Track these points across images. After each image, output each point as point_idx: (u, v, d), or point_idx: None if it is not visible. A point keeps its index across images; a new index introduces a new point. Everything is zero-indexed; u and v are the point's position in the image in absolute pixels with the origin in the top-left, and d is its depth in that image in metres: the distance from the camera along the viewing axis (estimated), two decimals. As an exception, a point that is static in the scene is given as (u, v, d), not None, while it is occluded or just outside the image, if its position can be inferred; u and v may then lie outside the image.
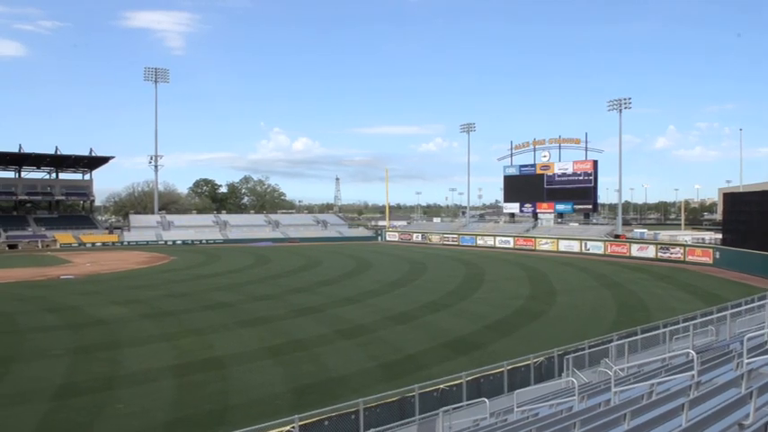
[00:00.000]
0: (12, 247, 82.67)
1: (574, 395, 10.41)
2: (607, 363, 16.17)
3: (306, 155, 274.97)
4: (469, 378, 14.90)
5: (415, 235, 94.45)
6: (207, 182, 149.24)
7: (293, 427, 11.25)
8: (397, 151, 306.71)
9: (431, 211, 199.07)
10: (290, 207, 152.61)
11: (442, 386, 14.42)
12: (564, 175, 78.88)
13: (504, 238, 79.38)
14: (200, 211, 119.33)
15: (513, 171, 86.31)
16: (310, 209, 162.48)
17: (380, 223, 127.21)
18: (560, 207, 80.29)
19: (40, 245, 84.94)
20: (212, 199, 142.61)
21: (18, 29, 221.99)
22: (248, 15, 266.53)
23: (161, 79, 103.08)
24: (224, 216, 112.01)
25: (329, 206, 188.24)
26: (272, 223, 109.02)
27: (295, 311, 31.29)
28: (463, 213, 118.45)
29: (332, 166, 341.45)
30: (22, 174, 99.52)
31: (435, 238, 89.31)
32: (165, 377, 19.37)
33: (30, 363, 21.34)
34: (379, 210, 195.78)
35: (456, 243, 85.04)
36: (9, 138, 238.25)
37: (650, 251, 60.28)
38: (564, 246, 70.07)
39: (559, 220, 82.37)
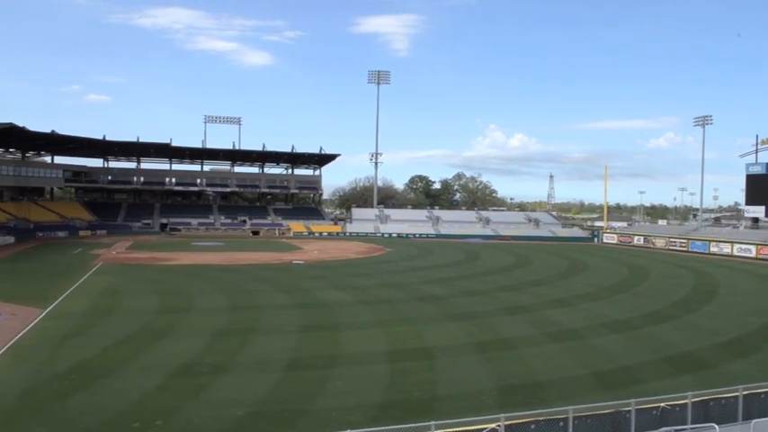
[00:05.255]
0: (255, 233, 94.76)
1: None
2: None
3: (521, 151, 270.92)
4: (696, 399, 13.44)
5: (636, 237, 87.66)
6: (421, 178, 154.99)
7: (498, 425, 11.21)
8: (620, 147, 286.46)
9: (655, 212, 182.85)
10: (501, 204, 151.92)
11: (662, 404, 13.21)
12: (827, 174, 66.97)
13: (743, 246, 69.90)
14: (414, 206, 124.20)
15: (758, 169, 75.54)
16: (522, 207, 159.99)
17: (597, 224, 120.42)
18: (820, 212, 68.39)
19: (276, 232, 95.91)
20: (426, 194, 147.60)
21: (267, 40, 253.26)
22: (471, 13, 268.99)
23: (383, 81, 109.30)
24: (436, 212, 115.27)
25: (542, 204, 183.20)
26: (483, 220, 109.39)
27: (503, 309, 31.11)
28: (694, 216, 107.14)
29: (547, 163, 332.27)
30: (264, 169, 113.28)
31: (660, 242, 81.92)
32: (379, 361, 20.57)
33: (266, 335, 24.22)
34: (596, 209, 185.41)
35: (684, 249, 77.02)
36: (255, 137, 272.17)
37: None
38: (824, 258, 59.55)
39: (819, 227, 70.28)
